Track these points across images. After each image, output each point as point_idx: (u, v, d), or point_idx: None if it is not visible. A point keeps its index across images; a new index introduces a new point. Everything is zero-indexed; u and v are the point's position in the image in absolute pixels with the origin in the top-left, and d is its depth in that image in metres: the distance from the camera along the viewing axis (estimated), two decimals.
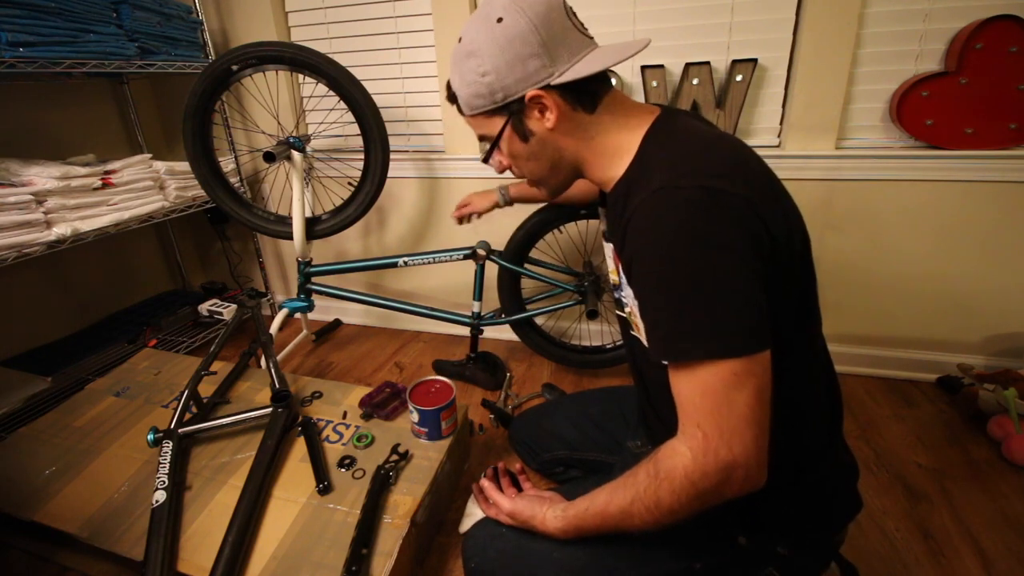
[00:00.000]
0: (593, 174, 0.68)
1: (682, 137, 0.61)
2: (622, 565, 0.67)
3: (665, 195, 0.53)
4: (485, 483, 0.81)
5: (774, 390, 0.53)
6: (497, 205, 1.31)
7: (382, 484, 0.90)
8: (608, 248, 0.75)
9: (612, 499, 0.60)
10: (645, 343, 0.70)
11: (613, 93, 0.65)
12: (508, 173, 0.76)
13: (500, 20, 0.60)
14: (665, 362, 0.55)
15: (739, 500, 0.54)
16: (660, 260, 0.53)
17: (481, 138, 0.71)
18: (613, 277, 0.74)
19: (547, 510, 0.69)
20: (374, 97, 1.37)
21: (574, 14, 0.64)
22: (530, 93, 0.61)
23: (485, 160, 0.72)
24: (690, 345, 0.52)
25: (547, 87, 0.61)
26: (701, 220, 0.51)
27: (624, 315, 0.73)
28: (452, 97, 0.69)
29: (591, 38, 0.65)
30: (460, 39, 0.64)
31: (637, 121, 0.64)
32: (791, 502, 0.64)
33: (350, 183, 1.53)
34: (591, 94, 0.63)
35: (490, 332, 1.80)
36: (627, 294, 0.65)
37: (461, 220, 1.38)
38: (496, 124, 0.66)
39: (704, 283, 0.51)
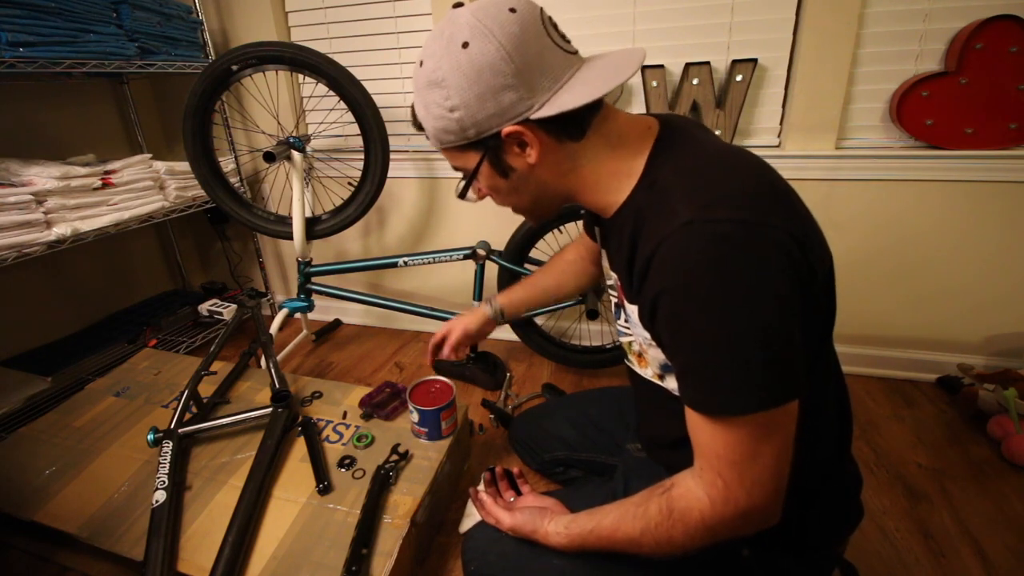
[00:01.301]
0: (587, 200, 0.62)
1: (695, 157, 0.55)
2: None
3: (696, 230, 0.47)
4: (484, 497, 0.80)
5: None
6: (493, 322, 1.02)
7: (382, 484, 0.91)
8: (612, 277, 0.70)
9: (620, 526, 0.59)
10: (643, 377, 0.70)
11: (603, 112, 0.57)
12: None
13: (466, 45, 0.51)
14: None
15: None
16: (694, 306, 0.49)
17: (455, 167, 0.63)
18: (612, 297, 0.72)
19: (549, 524, 0.68)
20: (374, 97, 1.37)
21: (554, 26, 0.55)
22: (507, 129, 0.54)
23: (461, 196, 0.64)
24: (721, 399, 0.49)
25: (526, 121, 0.54)
26: (740, 261, 0.46)
27: (626, 342, 0.72)
28: (419, 126, 0.61)
29: (573, 52, 0.56)
30: (421, 62, 0.56)
31: (635, 140, 0.58)
32: (797, 517, 0.62)
33: (350, 183, 1.53)
34: (578, 122, 0.55)
35: None
36: (632, 323, 0.63)
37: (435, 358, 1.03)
38: (471, 158, 0.59)
39: (741, 334, 0.47)
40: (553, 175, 0.59)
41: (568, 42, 0.56)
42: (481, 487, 0.87)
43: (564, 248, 1.04)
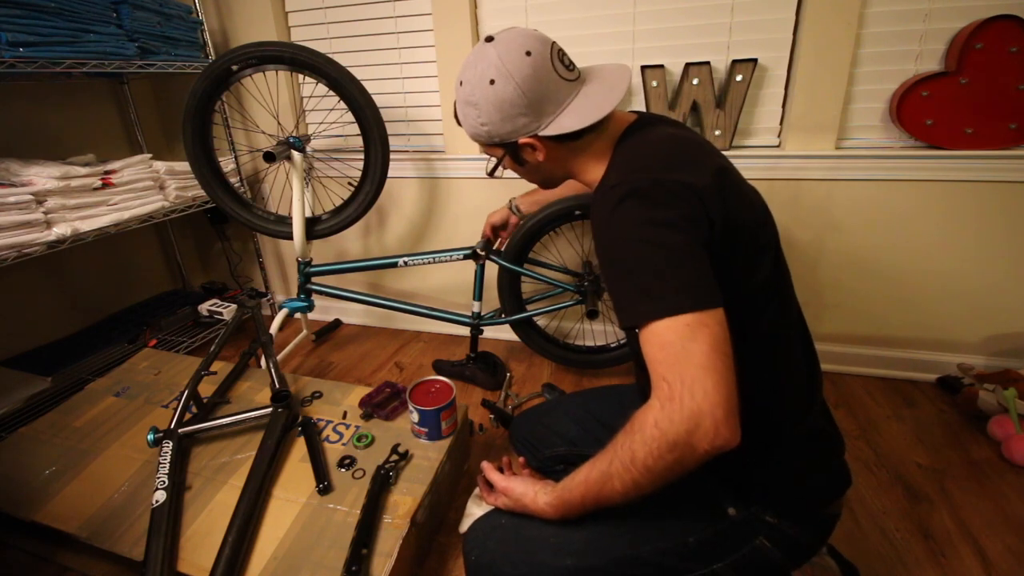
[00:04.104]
0: (583, 179, 0.77)
1: (642, 141, 0.69)
2: (618, 545, 0.68)
3: (616, 189, 0.62)
4: (485, 464, 0.82)
5: (748, 351, 0.57)
6: (511, 215, 1.37)
7: (382, 484, 0.91)
8: None
9: (595, 465, 0.63)
10: None
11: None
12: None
13: (492, 82, 0.68)
14: (633, 329, 0.60)
15: (722, 466, 0.55)
16: (610, 242, 0.62)
17: (485, 152, 0.81)
18: None
19: (539, 488, 0.71)
20: (374, 97, 1.37)
21: (560, 58, 0.71)
22: (521, 141, 0.72)
23: (490, 175, 0.82)
24: (642, 308, 0.57)
25: (535, 135, 0.71)
26: (642, 204, 0.59)
27: None
28: (459, 122, 0.79)
29: (574, 79, 0.71)
30: (461, 83, 0.72)
31: (614, 133, 0.73)
32: (773, 466, 0.67)
33: (350, 183, 1.53)
34: (576, 134, 0.70)
35: (490, 332, 1.80)
36: None
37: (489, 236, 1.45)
38: (496, 151, 0.77)
39: (647, 254, 0.57)
40: (556, 165, 0.76)
41: (571, 70, 0.72)
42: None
43: None
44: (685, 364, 0.53)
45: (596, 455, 0.63)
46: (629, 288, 0.59)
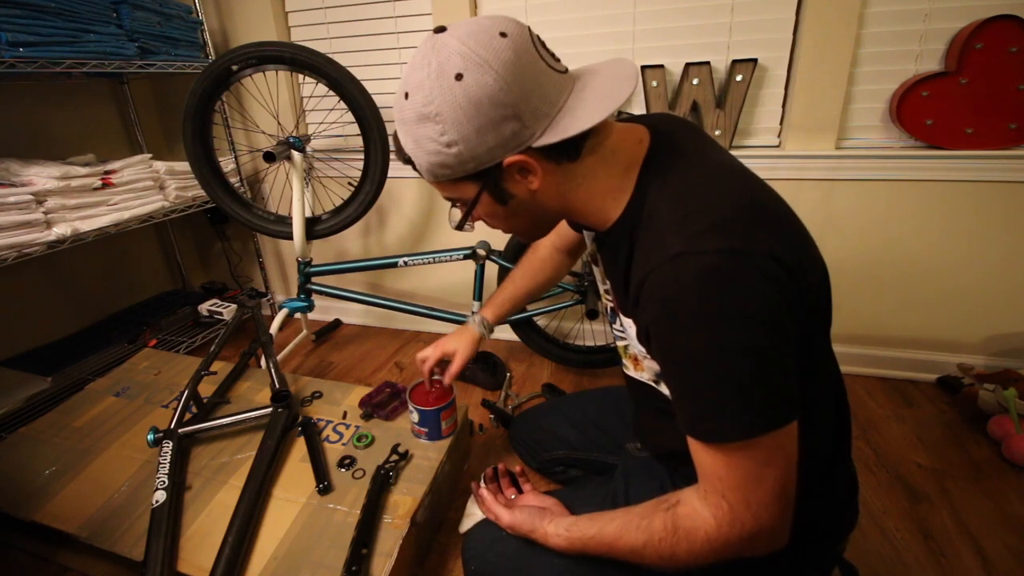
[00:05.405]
0: (582, 218, 0.62)
1: (684, 176, 0.55)
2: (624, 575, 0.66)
3: (684, 263, 0.48)
4: (484, 493, 0.80)
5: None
6: (483, 339, 1.03)
7: (382, 484, 0.91)
8: (597, 272, 0.73)
9: (622, 536, 0.59)
10: (639, 380, 0.71)
11: (597, 129, 0.55)
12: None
13: (459, 77, 0.48)
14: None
15: None
16: (684, 336, 0.50)
17: (448, 198, 0.62)
18: (607, 302, 0.72)
19: (548, 526, 0.68)
20: (374, 97, 1.37)
21: (542, 44, 0.53)
22: (508, 160, 0.53)
23: (458, 227, 0.63)
24: (716, 427, 0.50)
25: (527, 149, 0.52)
26: (727, 292, 0.47)
27: (621, 346, 0.73)
28: (406, 159, 0.58)
29: (564, 71, 0.55)
30: (406, 94, 0.52)
31: (627, 155, 0.58)
32: (796, 519, 0.63)
33: (350, 183, 1.53)
34: (576, 144, 0.54)
35: None
36: (626, 327, 0.64)
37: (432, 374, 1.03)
38: (468, 189, 0.57)
39: (731, 362, 0.48)
40: (552, 197, 0.58)
41: (558, 60, 0.55)
42: (483, 483, 0.87)
43: (537, 243, 1.02)
44: (755, 490, 0.49)
45: (623, 521, 0.59)
46: (701, 398, 0.51)
